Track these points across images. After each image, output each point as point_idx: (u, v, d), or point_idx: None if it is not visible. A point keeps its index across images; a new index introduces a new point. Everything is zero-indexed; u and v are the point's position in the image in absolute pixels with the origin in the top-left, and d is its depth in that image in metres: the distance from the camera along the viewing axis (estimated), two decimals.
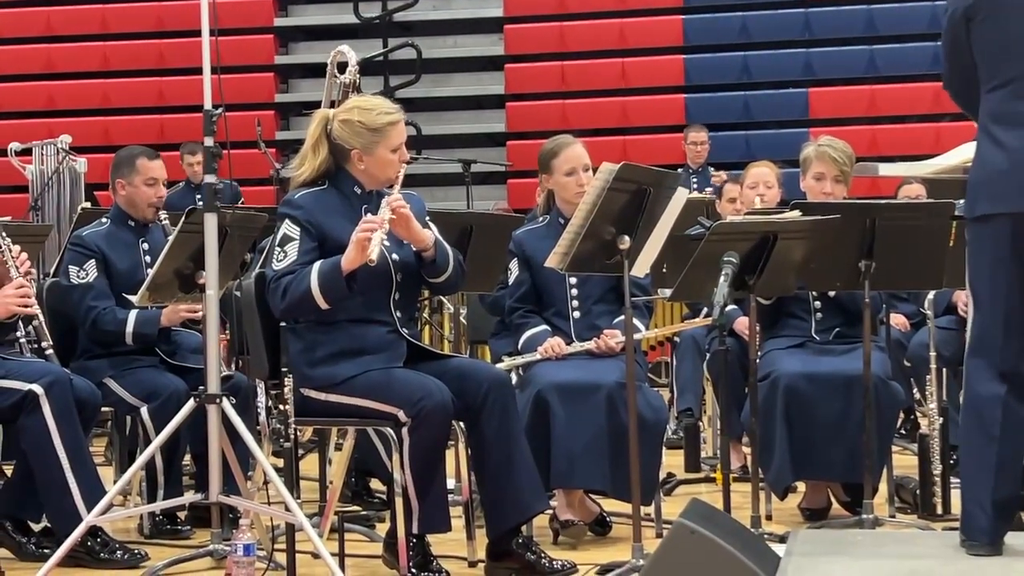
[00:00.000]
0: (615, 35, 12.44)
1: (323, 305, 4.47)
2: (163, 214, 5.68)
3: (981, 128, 4.07)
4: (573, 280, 5.34)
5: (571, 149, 5.31)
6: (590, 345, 5.23)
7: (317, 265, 4.47)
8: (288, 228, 4.56)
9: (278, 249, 4.56)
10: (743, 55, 12.29)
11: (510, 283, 5.45)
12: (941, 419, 5.45)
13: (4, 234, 5.00)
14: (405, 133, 4.68)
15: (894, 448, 5.70)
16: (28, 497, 4.93)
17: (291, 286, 4.47)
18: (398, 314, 4.63)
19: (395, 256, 4.62)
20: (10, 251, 4.96)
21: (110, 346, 5.47)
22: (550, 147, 5.34)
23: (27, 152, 9.98)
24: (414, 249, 4.63)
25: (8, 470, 5.23)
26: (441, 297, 8.10)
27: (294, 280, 4.47)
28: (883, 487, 5.44)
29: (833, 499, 5.56)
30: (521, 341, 5.37)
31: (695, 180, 10.34)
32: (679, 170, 10.29)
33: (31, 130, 11.10)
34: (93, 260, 5.50)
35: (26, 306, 4.88)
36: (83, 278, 5.48)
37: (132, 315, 5.42)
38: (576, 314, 5.33)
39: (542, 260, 5.04)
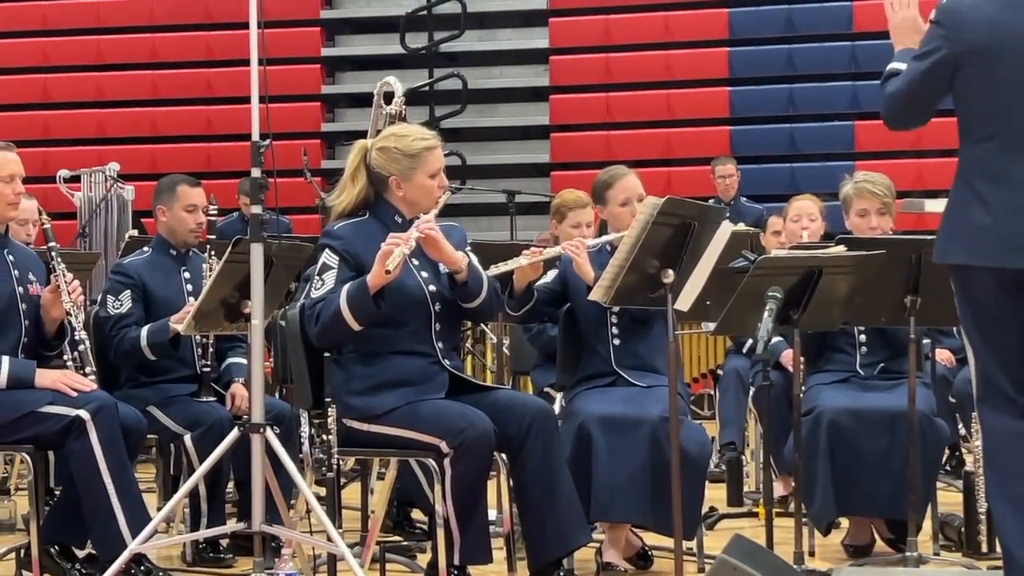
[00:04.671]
0: (660, 67, 12.45)
1: (354, 325, 4.48)
2: (208, 244, 5.71)
3: (962, 178, 4.10)
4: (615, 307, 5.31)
5: (625, 180, 5.32)
6: (556, 251, 5.18)
7: (346, 287, 4.50)
8: (327, 257, 4.60)
9: (316, 278, 4.60)
10: (789, 87, 12.27)
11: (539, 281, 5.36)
12: None
13: (60, 260, 5.05)
14: (442, 159, 4.70)
15: (939, 485, 5.65)
16: (73, 522, 4.96)
17: (323, 310, 4.50)
18: (440, 345, 4.64)
19: (432, 287, 4.64)
20: (64, 277, 5.01)
21: (143, 367, 5.50)
22: (604, 178, 5.36)
23: (75, 179, 10.08)
24: (447, 271, 4.64)
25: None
26: (484, 327, 8.12)
27: (325, 304, 4.50)
28: (927, 524, 5.39)
29: (877, 536, 5.52)
30: None
31: (728, 215, 10.25)
32: (710, 201, 10.36)
33: (80, 157, 11.21)
34: (129, 290, 5.54)
35: (76, 392, 4.87)
36: (117, 308, 5.52)
37: (143, 331, 5.46)
38: (616, 341, 5.31)
39: (583, 288, 5.05)
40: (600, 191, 5.35)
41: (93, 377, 5.01)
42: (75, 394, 4.83)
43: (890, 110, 4.19)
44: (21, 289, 5.01)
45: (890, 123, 4.23)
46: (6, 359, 4.86)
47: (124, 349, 5.48)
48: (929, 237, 5.32)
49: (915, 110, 4.19)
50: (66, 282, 4.99)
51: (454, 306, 4.69)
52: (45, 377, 4.88)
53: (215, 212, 5.79)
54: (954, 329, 6.66)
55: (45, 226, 5.13)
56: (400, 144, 4.64)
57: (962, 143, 4.11)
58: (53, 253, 5.04)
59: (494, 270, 5.01)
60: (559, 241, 5.69)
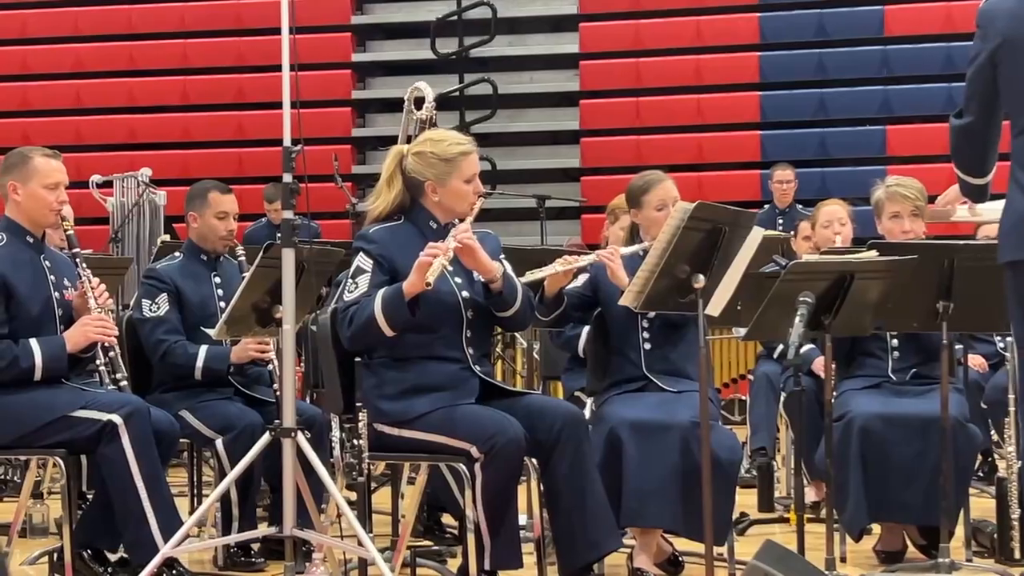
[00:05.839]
0: (691, 71, 12.44)
1: (387, 331, 4.49)
2: (240, 249, 5.75)
3: (1011, 174, 4.06)
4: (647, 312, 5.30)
5: (663, 185, 5.31)
6: (590, 258, 5.19)
7: (381, 291, 4.51)
8: (361, 261, 4.61)
9: (350, 281, 4.61)
10: (820, 92, 12.25)
11: (569, 286, 5.38)
12: (1020, 462, 5.38)
13: (85, 266, 5.07)
14: (478, 165, 4.70)
15: (971, 491, 5.63)
16: (106, 527, 4.98)
17: (356, 314, 4.51)
18: (470, 351, 4.64)
19: (465, 293, 4.64)
20: (89, 283, 5.03)
21: (182, 379, 5.53)
22: (640, 183, 5.34)
23: (108, 184, 10.13)
24: (482, 280, 4.65)
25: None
26: (514, 332, 8.13)
27: (359, 308, 4.51)
28: (960, 530, 5.37)
29: (909, 542, 5.50)
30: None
31: (781, 221, 10.25)
32: (765, 207, 10.34)
33: (112, 163, 11.27)
34: (165, 293, 5.56)
35: (105, 335, 4.95)
36: (155, 311, 5.55)
37: (202, 350, 5.49)
38: (647, 346, 5.30)
39: (614, 293, 5.05)
40: (636, 195, 5.34)
41: (125, 383, 5.03)
42: (107, 339, 4.90)
43: (954, 139, 4.17)
44: (57, 294, 5.04)
45: (955, 155, 4.21)
46: (36, 345, 4.87)
47: (173, 361, 5.50)
48: (961, 242, 5.31)
49: (987, 117, 4.14)
50: (92, 287, 5.02)
51: (486, 313, 4.69)
52: (74, 340, 4.92)
53: None
54: (985, 334, 6.66)
55: (68, 232, 5.14)
56: (436, 149, 4.65)
57: (1012, 141, 4.06)
58: (78, 260, 5.06)
59: (529, 276, 5.01)
60: (608, 240, 5.69)
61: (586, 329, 5.67)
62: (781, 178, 10.57)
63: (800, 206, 10.48)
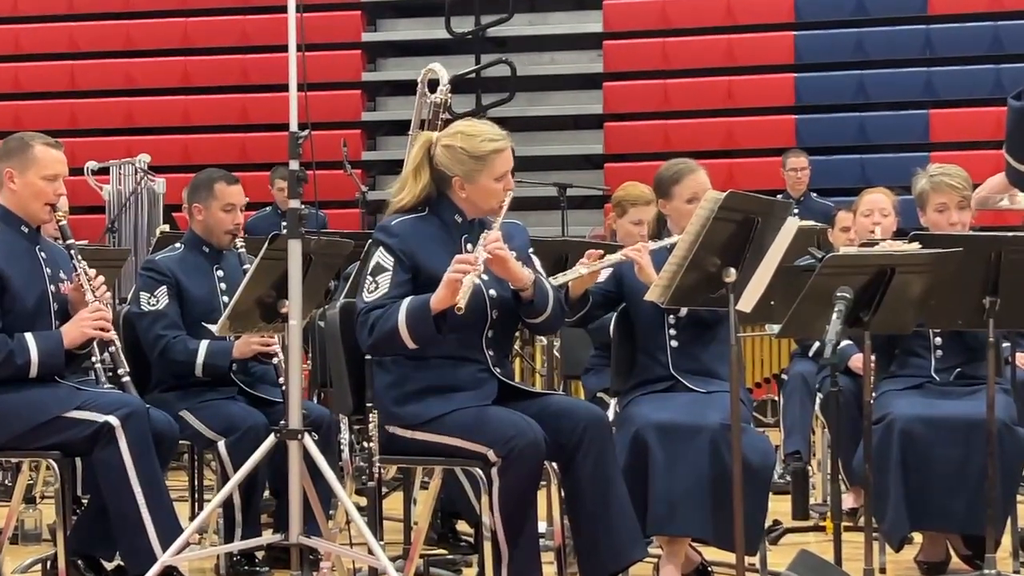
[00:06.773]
0: (722, 52, 12.42)
1: (411, 344, 4.49)
2: (239, 241, 5.75)
3: None
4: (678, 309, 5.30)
5: (695, 176, 5.29)
6: (616, 257, 5.18)
7: (406, 302, 4.49)
8: (382, 257, 4.59)
9: (370, 279, 4.59)
10: (859, 74, 12.22)
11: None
12: None
13: (80, 258, 5.08)
14: (510, 161, 4.68)
15: (1019, 498, 5.62)
16: (101, 534, 5.00)
17: (379, 322, 4.50)
18: (491, 353, 4.64)
19: (492, 292, 4.64)
20: (86, 275, 5.05)
21: (182, 377, 5.55)
22: (671, 172, 5.32)
23: (104, 171, 10.16)
24: (512, 287, 4.64)
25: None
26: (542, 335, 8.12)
27: (383, 316, 4.50)
28: (1007, 540, 5.36)
29: (952, 552, 5.49)
30: None
31: (796, 211, 10.21)
32: (778, 197, 10.29)
33: (109, 148, 11.32)
34: (165, 286, 5.58)
35: (103, 330, 4.97)
36: (154, 305, 5.56)
37: (203, 346, 5.50)
38: (675, 344, 5.30)
39: (639, 288, 5.05)
40: (666, 185, 5.32)
41: (127, 379, 5.04)
42: (106, 335, 4.93)
43: (1011, 122, 4.16)
44: (53, 288, 5.06)
45: (1010, 139, 4.19)
46: (31, 340, 4.88)
47: (172, 358, 5.52)
48: (1009, 234, 5.29)
49: None
50: (89, 279, 5.03)
51: (512, 313, 4.69)
52: (71, 336, 4.94)
53: None
54: None
55: (61, 223, 5.15)
56: (467, 145, 4.63)
57: None
58: (72, 252, 5.08)
59: (552, 281, 5.01)
60: (616, 234, 5.68)
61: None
62: (794, 165, 10.54)
63: (815, 194, 10.46)
